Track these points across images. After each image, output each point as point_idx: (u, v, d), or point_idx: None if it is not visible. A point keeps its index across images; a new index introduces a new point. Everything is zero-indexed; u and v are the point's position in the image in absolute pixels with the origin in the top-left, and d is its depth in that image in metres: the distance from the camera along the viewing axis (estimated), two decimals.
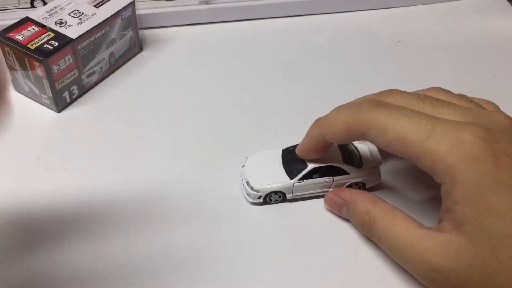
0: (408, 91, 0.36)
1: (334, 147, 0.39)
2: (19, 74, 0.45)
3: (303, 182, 0.38)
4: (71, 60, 0.45)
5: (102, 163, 0.42)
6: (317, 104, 0.47)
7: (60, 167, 0.42)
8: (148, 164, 0.42)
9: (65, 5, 0.47)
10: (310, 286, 0.35)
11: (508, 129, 0.31)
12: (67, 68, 0.45)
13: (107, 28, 0.47)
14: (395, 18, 0.57)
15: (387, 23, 0.56)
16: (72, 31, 0.44)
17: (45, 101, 0.46)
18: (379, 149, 0.40)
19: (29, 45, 0.43)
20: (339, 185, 0.39)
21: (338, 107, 0.35)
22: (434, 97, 0.34)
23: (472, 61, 0.52)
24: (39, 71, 0.43)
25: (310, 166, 0.38)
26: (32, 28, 0.44)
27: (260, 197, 0.38)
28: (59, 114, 0.46)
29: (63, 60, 0.44)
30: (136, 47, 0.52)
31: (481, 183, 0.29)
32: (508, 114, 0.33)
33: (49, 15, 0.46)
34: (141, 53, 0.52)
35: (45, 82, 0.44)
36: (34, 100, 0.47)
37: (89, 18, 0.46)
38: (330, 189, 0.39)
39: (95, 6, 0.47)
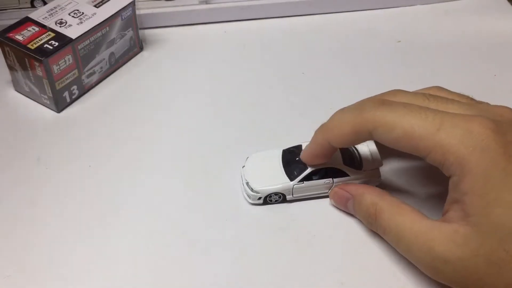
0: (409, 91, 0.36)
1: None
2: (19, 74, 0.45)
3: (303, 184, 0.38)
4: (71, 60, 0.45)
5: (102, 163, 0.42)
6: (317, 104, 0.47)
7: (60, 167, 0.42)
8: (148, 164, 0.42)
9: (65, 5, 0.47)
10: (310, 286, 0.35)
11: None
12: (67, 68, 0.45)
13: (107, 28, 0.47)
14: (395, 18, 0.57)
15: (387, 23, 0.56)
16: (72, 31, 0.44)
17: (45, 101, 0.46)
18: (379, 150, 0.40)
19: (29, 45, 0.43)
20: None
21: (340, 110, 0.35)
22: (437, 95, 0.34)
23: (472, 61, 0.52)
24: (39, 71, 0.43)
25: (310, 167, 0.38)
26: (32, 28, 0.44)
27: (260, 198, 0.39)
28: (59, 114, 0.46)
29: (63, 60, 0.44)
30: (136, 47, 0.52)
31: (491, 174, 0.29)
32: None
33: (49, 15, 0.46)
34: (141, 53, 0.52)
35: (45, 82, 0.44)
36: (34, 100, 0.47)
37: (89, 18, 0.46)
38: (330, 191, 0.39)
39: (95, 6, 0.47)
